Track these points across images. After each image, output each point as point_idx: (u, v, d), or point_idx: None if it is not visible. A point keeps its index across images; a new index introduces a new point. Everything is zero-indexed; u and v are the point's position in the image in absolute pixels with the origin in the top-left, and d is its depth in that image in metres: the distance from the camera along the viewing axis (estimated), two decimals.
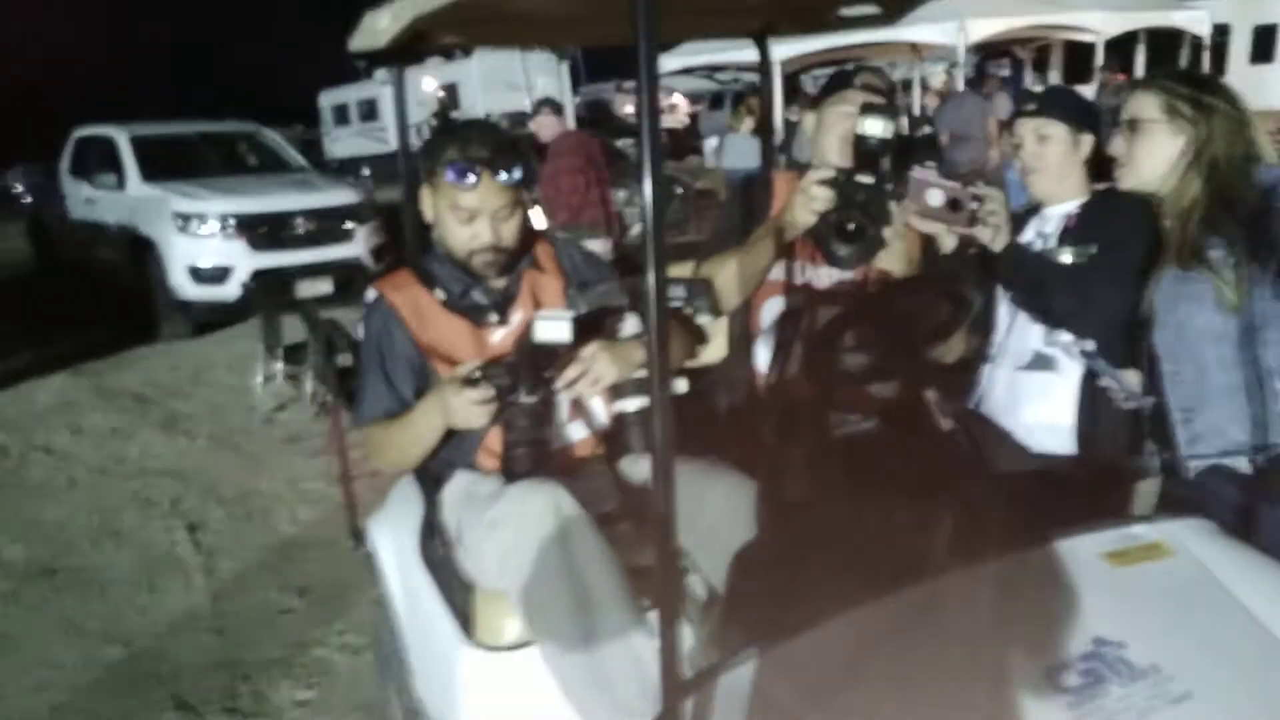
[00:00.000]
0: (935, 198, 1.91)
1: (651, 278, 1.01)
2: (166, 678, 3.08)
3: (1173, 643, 1.26)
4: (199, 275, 7.76)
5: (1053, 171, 2.20)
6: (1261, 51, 15.93)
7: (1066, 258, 2.09)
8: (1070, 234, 2.14)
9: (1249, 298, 1.88)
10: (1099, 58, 12.80)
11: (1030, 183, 2.25)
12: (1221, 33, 15.24)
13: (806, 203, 1.87)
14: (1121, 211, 2.10)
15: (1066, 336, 2.10)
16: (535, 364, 1.84)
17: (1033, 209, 2.29)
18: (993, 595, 1.36)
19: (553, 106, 7.25)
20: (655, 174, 1.02)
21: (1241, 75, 14.98)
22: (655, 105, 1.03)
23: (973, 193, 1.91)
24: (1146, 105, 2.01)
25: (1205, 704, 1.16)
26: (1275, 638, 1.29)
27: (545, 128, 6.66)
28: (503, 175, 1.92)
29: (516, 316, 2.04)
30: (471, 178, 1.89)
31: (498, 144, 1.95)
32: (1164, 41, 14.51)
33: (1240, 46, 16.13)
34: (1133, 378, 2.06)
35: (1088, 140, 2.19)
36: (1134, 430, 2.11)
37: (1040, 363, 2.16)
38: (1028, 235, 2.22)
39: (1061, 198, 2.21)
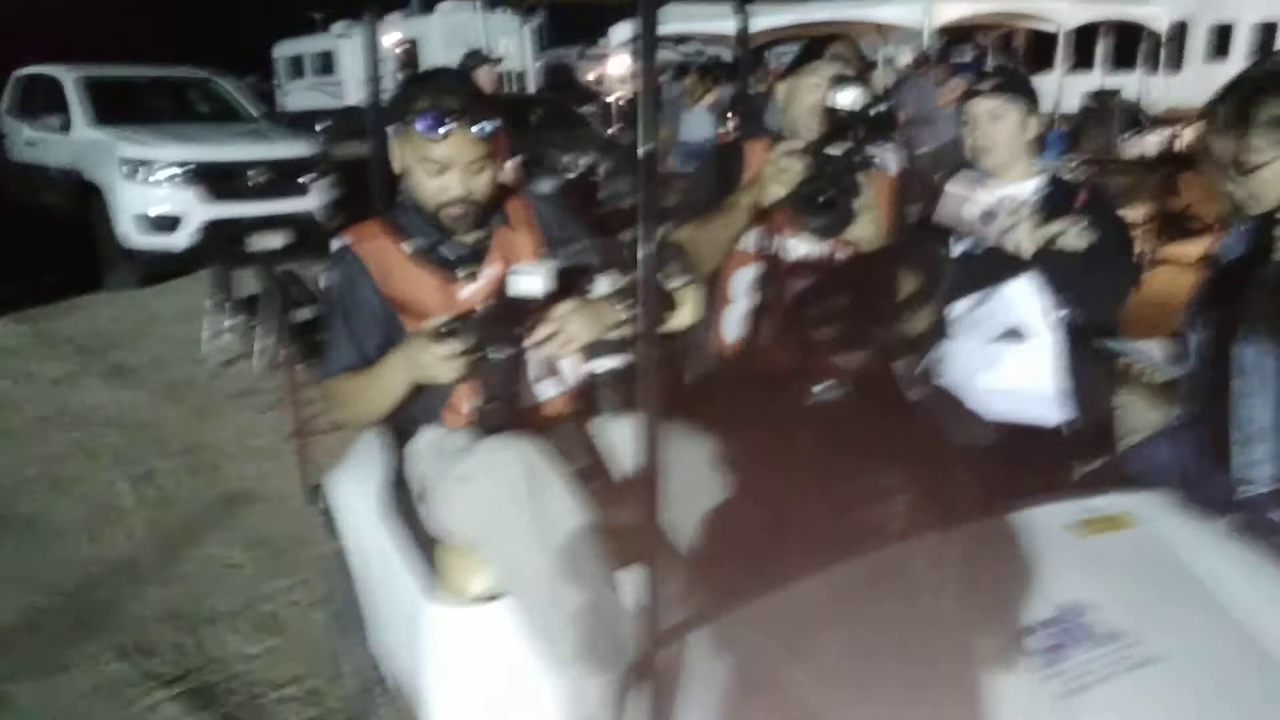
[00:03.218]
0: (972, 210, 2.06)
1: (641, 246, 1.00)
2: (109, 629, 3.03)
3: (1133, 611, 1.29)
4: (147, 224, 7.54)
5: (1003, 150, 2.26)
6: (1217, 48, 16.39)
7: (1081, 240, 2.05)
8: (1080, 212, 2.15)
9: None
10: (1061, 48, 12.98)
11: (981, 160, 2.30)
12: (1180, 28, 15.58)
13: (777, 174, 1.87)
14: (1108, 204, 2.31)
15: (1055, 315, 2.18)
16: (506, 320, 1.81)
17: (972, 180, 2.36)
18: (959, 561, 1.39)
19: (483, 57, 6.44)
20: (649, 138, 1.00)
21: (1197, 71, 15.34)
22: (653, 67, 1.00)
23: (1006, 205, 2.05)
24: None
25: (1165, 670, 1.19)
26: (1224, 609, 1.32)
27: (485, 80, 5.95)
28: (476, 127, 1.87)
29: (487, 272, 2.00)
30: (444, 129, 1.85)
31: (471, 95, 1.91)
32: (1125, 34, 14.72)
33: (1197, 43, 16.55)
34: (1155, 348, 2.08)
35: (1035, 122, 2.26)
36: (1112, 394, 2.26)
37: (1014, 335, 2.21)
38: (994, 207, 2.22)
39: (1013, 175, 2.28)
